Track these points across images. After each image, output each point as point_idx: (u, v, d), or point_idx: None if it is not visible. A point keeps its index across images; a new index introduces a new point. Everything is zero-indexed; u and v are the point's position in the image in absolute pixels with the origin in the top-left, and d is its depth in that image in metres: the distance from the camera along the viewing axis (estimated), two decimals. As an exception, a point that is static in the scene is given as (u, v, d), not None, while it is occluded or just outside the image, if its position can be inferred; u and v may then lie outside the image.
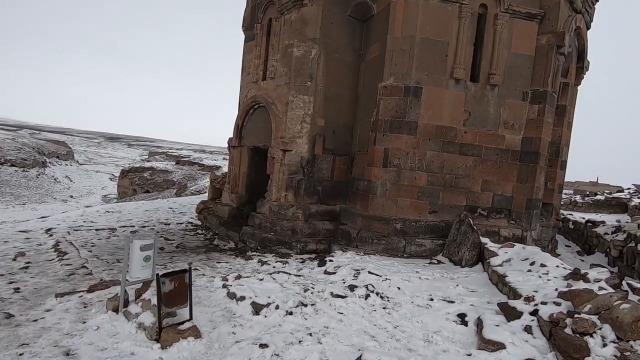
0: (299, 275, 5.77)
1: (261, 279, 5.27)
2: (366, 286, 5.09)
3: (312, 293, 4.96)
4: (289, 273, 5.75)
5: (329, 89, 8.25)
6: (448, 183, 7.54)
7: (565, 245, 10.52)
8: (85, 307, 4.31)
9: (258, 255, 7.48)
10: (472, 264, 6.29)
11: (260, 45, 9.18)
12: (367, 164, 7.84)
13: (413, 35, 7.17)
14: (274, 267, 6.76)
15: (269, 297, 4.57)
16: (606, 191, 21.05)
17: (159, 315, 3.59)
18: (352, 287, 5.12)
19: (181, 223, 10.20)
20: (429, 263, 6.73)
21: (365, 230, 7.42)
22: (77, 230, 8.61)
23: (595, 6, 9.10)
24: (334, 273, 5.77)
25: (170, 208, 12.76)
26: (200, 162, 47.46)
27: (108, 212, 11.20)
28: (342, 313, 4.48)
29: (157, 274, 3.58)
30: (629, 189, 20.62)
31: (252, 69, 9.38)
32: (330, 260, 6.35)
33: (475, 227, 6.49)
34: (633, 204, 15.80)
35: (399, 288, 5.24)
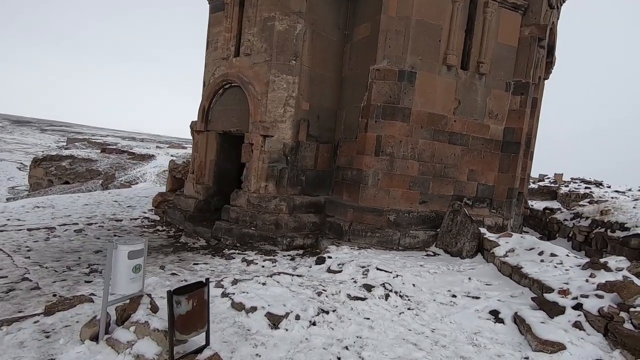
0: (299, 276, 5.13)
1: (263, 283, 4.55)
2: (383, 285, 4.64)
3: (327, 297, 4.37)
4: (290, 274, 5.08)
5: (314, 70, 7.57)
6: (438, 173, 7.38)
7: (523, 231, 11.19)
8: (47, 336, 3.25)
9: (239, 254, 6.66)
10: (472, 255, 6.18)
11: (231, 16, 8.11)
12: (356, 152, 7.36)
13: (409, 16, 6.78)
14: (262, 266, 6.02)
15: (284, 306, 3.90)
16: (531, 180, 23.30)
17: (170, 345, 2.75)
18: (368, 287, 4.64)
19: (135, 218, 8.82)
20: (427, 255, 6.50)
21: (357, 223, 6.98)
22: (1, 231, 6.92)
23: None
24: (340, 271, 5.24)
25: (115, 201, 11.09)
26: (130, 151, 43.36)
27: (38, 207, 9.32)
28: (368, 318, 3.98)
29: (170, 291, 2.72)
30: (549, 178, 22.97)
31: (221, 43, 8.29)
32: (329, 257, 5.79)
33: (473, 218, 6.38)
34: (562, 192, 17.53)
35: (414, 285, 4.88)
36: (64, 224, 7.61)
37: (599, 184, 19.85)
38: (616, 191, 17.57)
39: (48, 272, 5.06)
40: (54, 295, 4.26)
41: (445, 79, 7.20)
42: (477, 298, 4.47)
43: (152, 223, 8.74)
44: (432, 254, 6.61)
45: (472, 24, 7.31)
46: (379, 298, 4.42)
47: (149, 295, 3.56)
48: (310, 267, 5.72)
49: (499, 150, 7.89)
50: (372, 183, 7.06)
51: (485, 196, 7.90)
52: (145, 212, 9.90)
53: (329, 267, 5.42)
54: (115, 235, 7.38)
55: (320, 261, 5.72)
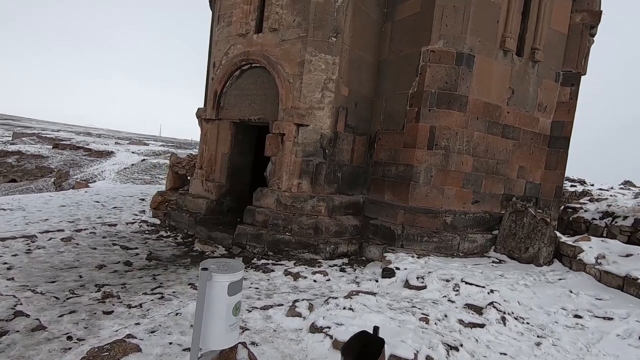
0: (372, 293, 4.16)
1: (350, 308, 3.55)
2: (492, 305, 3.78)
3: (436, 324, 3.46)
4: (370, 292, 4.09)
5: (354, 51, 6.58)
6: (490, 169, 6.67)
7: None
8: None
9: (275, 264, 5.56)
10: (549, 261, 5.50)
11: (251, -15, 6.94)
12: (402, 145, 6.47)
13: (470, -9, 5.98)
14: (314, 280, 4.98)
15: (404, 343, 2.93)
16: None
17: None
18: (475, 309, 3.77)
19: (130, 222, 7.39)
20: (493, 263, 5.75)
21: (409, 226, 6.10)
22: (-39, 240, 5.34)
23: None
24: (424, 287, 4.32)
25: (97, 202, 9.46)
26: (87, 147, 40.03)
27: (2, 209, 7.58)
28: (505, 354, 3.11)
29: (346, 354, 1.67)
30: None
31: (238, 17, 7.08)
32: (397, 269, 4.86)
33: (547, 220, 5.71)
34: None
35: (519, 302, 4.07)
36: (46, 231, 6.09)
37: (582, 182, 20.41)
38: (600, 189, 18.04)
39: (46, 299, 3.72)
40: (69, 339, 3.00)
41: (502, 65, 6.49)
42: (610, 319, 3.72)
43: (153, 228, 7.35)
44: (497, 260, 5.87)
45: (527, 6, 6.65)
46: (496, 323, 3.56)
47: (244, 344, 2.45)
48: (377, 281, 4.76)
49: (546, 145, 7.32)
50: (423, 180, 6.21)
51: (531, 195, 7.30)
52: (137, 214, 8.45)
53: (406, 282, 4.48)
54: (114, 244, 5.99)
55: (389, 274, 4.77)
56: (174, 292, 4.25)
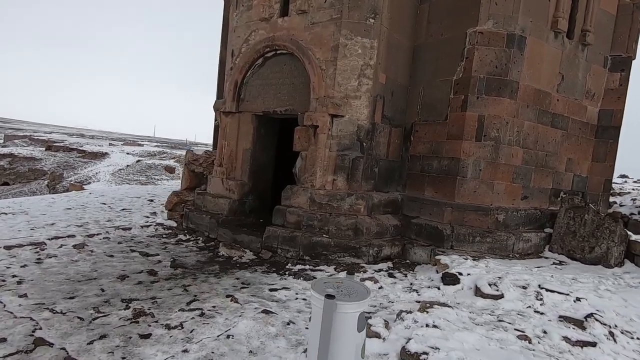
0: (447, 305, 3.61)
1: (435, 325, 3.00)
2: (593, 317, 3.25)
3: (539, 343, 2.92)
4: (446, 304, 3.54)
5: (392, 34, 6.01)
6: (540, 162, 6.15)
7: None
8: None
9: (313, 270, 5.01)
10: (619, 262, 4.98)
11: (275, -35, 6.33)
12: (446, 137, 5.92)
13: (522, -34, 5.44)
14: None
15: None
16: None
17: None
18: (574, 322, 3.24)
19: (146, 226, 6.76)
20: (555, 264, 5.23)
21: (458, 226, 5.55)
22: (-40, 250, 4.70)
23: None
24: (500, 296, 3.78)
25: (103, 204, 8.82)
26: (80, 148, 39.16)
27: (4, 213, 6.92)
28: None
29: None
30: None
31: (261, 0, 6.48)
32: (459, 274, 4.30)
33: (618, 217, 5.19)
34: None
35: (616, 313, 3.54)
36: (55, 237, 5.46)
37: (623, 176, 19.95)
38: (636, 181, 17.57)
39: (69, 321, 3.12)
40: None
41: (552, 48, 5.96)
42: None
43: (170, 231, 6.74)
44: (557, 261, 5.35)
45: (578, -16, 6.12)
46: (606, 340, 3.02)
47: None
48: (439, 288, 4.20)
49: (593, 136, 6.82)
50: (472, 175, 5.67)
51: (578, 189, 6.80)
52: (148, 217, 7.82)
53: (477, 290, 3.93)
54: (132, 251, 5.38)
55: (452, 280, 4.21)
56: (213, 306, 3.66)
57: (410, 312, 3.25)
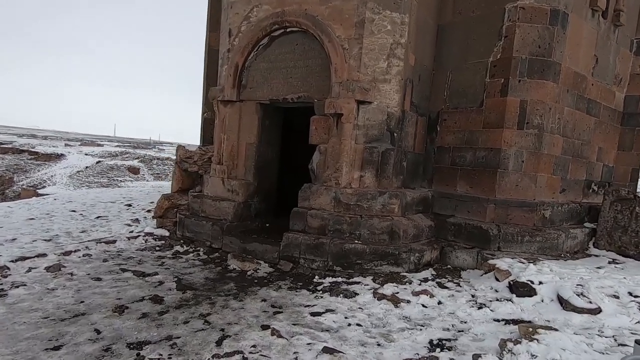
0: (551, 328, 2.98)
1: None
2: None
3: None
4: (546, 327, 2.89)
5: (420, 10, 5.31)
6: (576, 151, 5.71)
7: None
8: None
9: (348, 282, 4.26)
10: (682, 258, 4.59)
11: None
12: (482, 126, 5.32)
13: None
14: (423, 305, 3.71)
15: None
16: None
17: None
18: None
19: (133, 237, 5.68)
20: (609, 263, 4.77)
21: (504, 224, 4.97)
22: None
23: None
24: (597, 310, 3.18)
25: (73, 211, 7.54)
26: (32, 150, 35.99)
27: (-53, 228, 5.58)
28: None
29: None
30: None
31: (265, -31, 5.56)
32: (531, 282, 3.69)
33: None
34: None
35: None
36: (21, 258, 4.30)
37: None
38: None
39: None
40: None
41: (590, 28, 5.52)
42: None
43: (163, 242, 5.70)
44: (610, 259, 4.91)
45: (611, -41, 5.71)
46: None
47: None
48: (511, 301, 3.57)
49: (619, 123, 6.50)
50: (513, 167, 5.10)
51: (605, 180, 6.47)
52: (130, 225, 6.71)
53: (564, 302, 3.32)
54: (122, 270, 4.35)
55: (526, 291, 3.59)
56: (254, 346, 2.80)
57: (518, 341, 2.56)
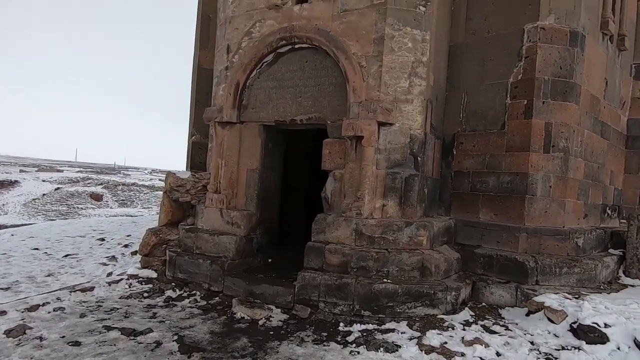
0: None
1: None
2: None
3: None
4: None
5: (438, 28, 5.05)
6: (594, 175, 5.55)
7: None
8: None
9: (380, 330, 3.65)
10: None
11: (288, -60, 5.09)
12: (504, 149, 5.03)
13: (582, -44, 4.87)
14: (480, 357, 3.16)
15: None
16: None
17: None
18: None
19: (114, 282, 4.78)
20: (651, 293, 4.47)
21: (537, 254, 4.59)
22: None
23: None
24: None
25: (36, 249, 6.48)
26: None
27: None
28: None
29: None
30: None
31: (269, -18, 5.17)
32: (596, 324, 3.26)
33: None
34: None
35: None
36: (-28, 319, 3.37)
37: None
38: None
39: None
40: None
41: (601, 51, 5.48)
42: None
43: (151, 286, 4.85)
44: (648, 289, 4.62)
45: (614, -15, 5.79)
46: None
47: None
48: (581, 349, 3.11)
49: (624, 146, 6.49)
50: (542, 192, 4.80)
51: (616, 203, 6.36)
52: (107, 264, 5.81)
53: (648, 349, 2.89)
54: (107, 328, 3.51)
55: (597, 337, 3.15)
56: None
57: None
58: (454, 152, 5.53)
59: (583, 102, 5.08)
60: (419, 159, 4.67)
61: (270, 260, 5.57)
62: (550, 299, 3.84)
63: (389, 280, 4.10)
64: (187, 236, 5.25)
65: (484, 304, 4.44)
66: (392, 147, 4.56)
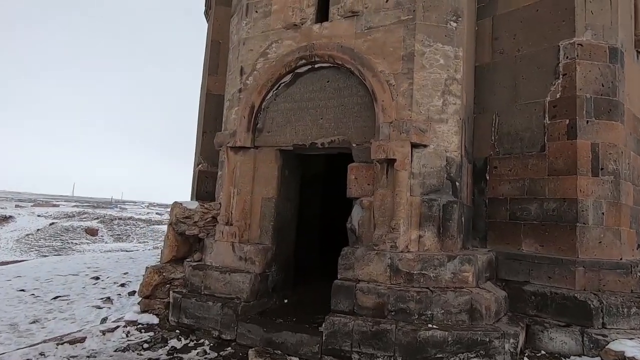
0: None
1: None
2: None
3: None
4: None
5: (469, 46, 4.76)
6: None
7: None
8: None
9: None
10: None
11: (306, -40, 4.91)
12: (547, 173, 4.57)
13: (615, -28, 4.68)
14: None
15: None
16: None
17: None
18: None
19: (109, 330, 4.11)
20: None
21: (598, 291, 4.01)
22: None
23: None
24: None
25: (22, 290, 5.77)
26: None
27: None
28: None
29: None
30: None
31: (288, 2, 4.93)
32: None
33: None
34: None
35: None
36: None
37: None
38: None
39: None
40: None
41: (637, 69, 5.18)
42: None
43: (152, 334, 4.18)
44: None
45: None
46: None
47: None
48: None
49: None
50: (594, 220, 4.29)
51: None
52: (101, 307, 5.16)
53: None
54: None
55: None
56: None
57: None
58: (487, 177, 5.07)
59: (627, 122, 4.70)
60: (457, 184, 4.20)
61: (286, 300, 4.95)
62: (630, 347, 3.23)
63: (434, 326, 3.49)
64: (194, 274, 4.64)
65: (543, 352, 3.80)
66: (427, 171, 4.10)
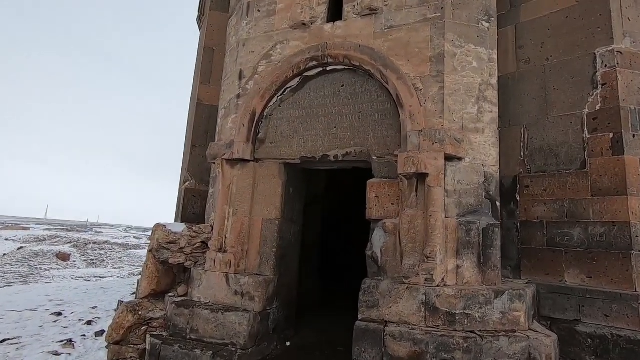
0: None
1: None
2: None
3: None
4: None
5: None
6: (686, 225, 4.56)
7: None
8: None
9: None
10: None
11: (317, -45, 4.42)
12: (590, 193, 4.02)
13: (649, -22, 4.36)
14: None
15: None
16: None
17: None
18: None
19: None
20: None
21: (667, 333, 3.38)
22: None
23: None
24: None
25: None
26: None
27: None
28: None
29: None
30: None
31: (295, 0, 4.40)
32: None
33: None
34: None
35: None
36: None
37: None
38: None
39: None
40: None
41: (670, 83, 4.82)
42: None
43: (122, 394, 3.26)
44: None
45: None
46: None
47: None
48: None
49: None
50: (649, 247, 3.73)
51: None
52: (58, 354, 4.17)
53: None
54: None
55: None
56: None
57: None
58: (517, 198, 4.49)
59: (669, 138, 4.26)
60: (497, 204, 3.59)
61: (288, 343, 4.12)
62: None
63: (488, 383, 2.76)
64: (179, 313, 3.77)
65: (612, 411, 3.10)
66: (463, 189, 3.48)
